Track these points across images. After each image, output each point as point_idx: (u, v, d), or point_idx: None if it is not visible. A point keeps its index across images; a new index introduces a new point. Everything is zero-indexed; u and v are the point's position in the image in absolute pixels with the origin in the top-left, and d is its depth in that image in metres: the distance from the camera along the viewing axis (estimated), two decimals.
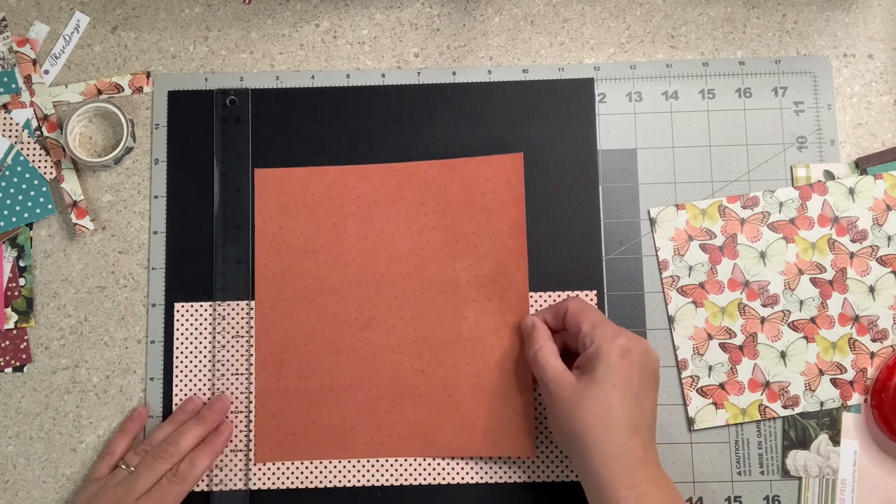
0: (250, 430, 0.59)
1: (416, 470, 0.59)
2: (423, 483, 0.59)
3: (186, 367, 0.60)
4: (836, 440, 0.59)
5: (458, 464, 0.59)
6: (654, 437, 0.53)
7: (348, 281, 0.60)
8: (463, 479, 0.59)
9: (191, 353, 0.60)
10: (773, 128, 0.62)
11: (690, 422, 0.59)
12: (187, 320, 0.60)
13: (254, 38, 0.64)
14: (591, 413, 0.51)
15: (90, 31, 0.64)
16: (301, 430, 0.59)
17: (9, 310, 0.61)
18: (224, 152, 0.62)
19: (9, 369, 0.60)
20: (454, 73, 0.63)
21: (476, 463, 0.59)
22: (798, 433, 0.59)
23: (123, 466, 0.57)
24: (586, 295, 0.60)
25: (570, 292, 0.60)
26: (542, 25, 0.64)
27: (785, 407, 0.59)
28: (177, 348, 0.60)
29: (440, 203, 0.61)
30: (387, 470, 0.59)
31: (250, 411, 0.59)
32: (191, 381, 0.60)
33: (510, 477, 0.59)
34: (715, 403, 0.59)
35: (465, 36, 0.64)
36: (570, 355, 0.55)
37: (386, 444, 0.59)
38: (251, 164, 0.62)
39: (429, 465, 0.59)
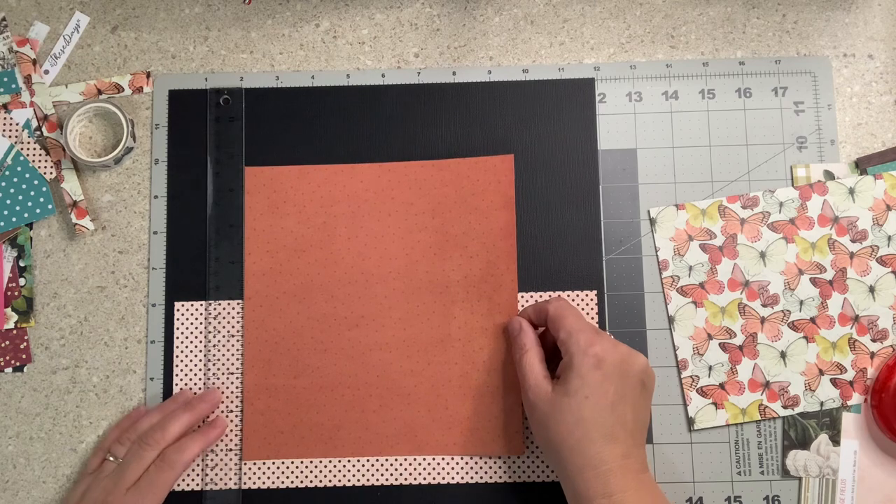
0: (242, 428, 0.59)
1: (408, 469, 0.59)
2: (416, 483, 0.59)
3: (186, 366, 0.60)
4: (836, 440, 0.59)
5: (450, 463, 0.59)
6: (639, 441, 0.52)
7: (338, 280, 0.60)
8: (454, 479, 0.59)
9: (191, 352, 0.60)
10: (773, 128, 0.62)
11: (690, 422, 0.59)
12: (187, 319, 0.60)
13: (254, 38, 0.64)
14: (564, 425, 0.51)
15: (90, 31, 0.64)
16: (289, 428, 0.59)
17: (9, 310, 0.61)
18: (218, 151, 0.62)
19: (9, 369, 0.60)
20: (454, 73, 0.63)
21: (468, 462, 0.59)
22: (798, 433, 0.59)
23: (111, 458, 0.56)
24: (586, 295, 0.60)
25: (569, 292, 0.60)
26: (542, 25, 0.64)
27: (785, 407, 0.59)
28: (177, 347, 0.60)
29: (431, 203, 0.61)
30: (381, 469, 0.59)
31: (241, 409, 0.59)
32: (190, 380, 0.60)
33: (505, 476, 0.59)
34: (715, 403, 0.59)
35: (465, 36, 0.64)
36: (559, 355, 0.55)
37: (374, 444, 0.59)
38: (244, 162, 0.62)
39: (419, 464, 0.59)
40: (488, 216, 0.60)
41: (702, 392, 0.59)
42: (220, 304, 0.60)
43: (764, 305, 0.60)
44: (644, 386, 0.53)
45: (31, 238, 0.62)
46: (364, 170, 0.61)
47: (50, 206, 0.61)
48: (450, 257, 0.60)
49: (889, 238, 0.60)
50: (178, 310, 0.60)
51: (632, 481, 0.50)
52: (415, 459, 0.59)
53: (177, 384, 0.60)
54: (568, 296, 0.60)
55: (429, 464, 0.59)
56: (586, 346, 0.52)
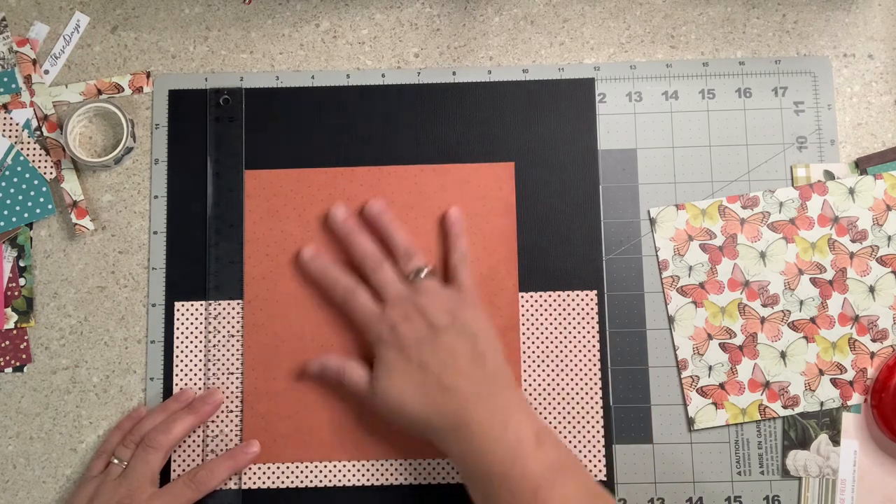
0: (242, 430, 0.59)
1: (408, 470, 0.59)
2: (416, 483, 0.59)
3: (186, 366, 0.60)
4: (836, 440, 0.59)
5: (450, 463, 0.59)
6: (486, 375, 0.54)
7: None
8: (454, 479, 0.59)
9: (191, 352, 0.60)
10: (773, 128, 0.62)
11: (690, 422, 0.59)
12: (187, 319, 0.60)
13: (254, 38, 0.64)
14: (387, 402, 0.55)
15: (90, 31, 0.64)
16: (290, 431, 0.59)
17: (9, 310, 0.61)
18: (217, 151, 0.62)
19: (9, 369, 0.60)
20: (454, 73, 0.63)
21: None
22: (798, 433, 0.59)
23: (115, 461, 0.56)
24: (586, 295, 0.60)
25: (569, 292, 0.60)
26: (542, 25, 0.64)
27: (785, 407, 0.59)
28: (177, 347, 0.60)
29: (431, 208, 0.61)
30: (381, 469, 0.59)
31: (242, 410, 0.59)
32: (190, 380, 0.60)
33: None
34: (715, 403, 0.59)
35: (465, 36, 0.64)
36: None
37: (374, 447, 0.59)
38: (244, 163, 0.62)
39: (419, 464, 0.59)
40: (489, 222, 0.60)
41: (702, 392, 0.59)
42: (220, 304, 0.60)
43: (764, 305, 0.60)
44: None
45: (31, 238, 0.62)
46: (364, 173, 0.61)
47: (50, 206, 0.61)
48: None
49: (889, 238, 0.60)
50: (178, 310, 0.60)
51: (507, 402, 0.53)
52: (415, 459, 0.59)
53: (177, 384, 0.60)
54: (568, 296, 0.60)
55: (429, 463, 0.59)
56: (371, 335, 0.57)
